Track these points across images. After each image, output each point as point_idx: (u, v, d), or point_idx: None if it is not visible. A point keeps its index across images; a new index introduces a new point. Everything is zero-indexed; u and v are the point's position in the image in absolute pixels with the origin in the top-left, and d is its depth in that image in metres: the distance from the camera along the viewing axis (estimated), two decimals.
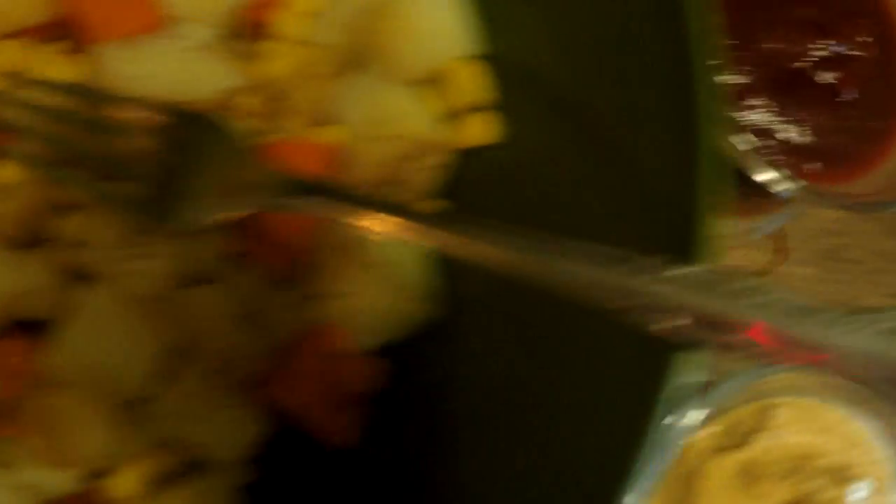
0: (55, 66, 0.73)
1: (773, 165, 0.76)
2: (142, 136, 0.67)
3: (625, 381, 0.58)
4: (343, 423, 0.69)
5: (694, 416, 0.77)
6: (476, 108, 0.70)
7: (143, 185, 0.66)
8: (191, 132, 0.66)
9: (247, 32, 0.78)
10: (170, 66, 0.70)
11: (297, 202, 0.62)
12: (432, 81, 0.70)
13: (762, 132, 0.81)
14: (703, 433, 0.82)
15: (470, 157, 0.72)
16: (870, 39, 0.83)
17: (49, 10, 0.72)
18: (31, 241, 0.75)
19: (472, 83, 0.70)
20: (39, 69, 0.72)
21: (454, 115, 0.71)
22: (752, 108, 0.81)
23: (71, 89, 0.69)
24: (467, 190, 0.72)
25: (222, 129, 0.66)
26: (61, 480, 0.73)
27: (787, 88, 0.82)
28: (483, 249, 0.55)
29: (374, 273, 0.68)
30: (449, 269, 0.71)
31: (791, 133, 0.81)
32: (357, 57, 0.72)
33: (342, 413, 0.69)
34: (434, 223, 0.58)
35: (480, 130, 0.70)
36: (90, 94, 0.69)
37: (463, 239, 0.56)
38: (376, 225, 0.58)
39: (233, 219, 0.65)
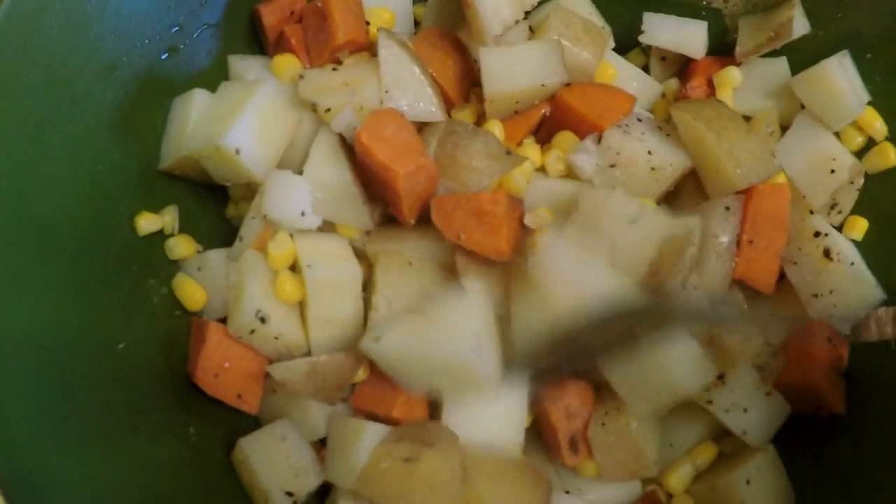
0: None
1: None
2: None
3: None
4: (840, 393, 0.90)
5: None
6: (878, 142, 0.94)
7: None
8: None
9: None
10: (653, 144, 0.91)
11: None
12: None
13: None
14: None
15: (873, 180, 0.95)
16: None
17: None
18: None
19: (875, 124, 0.93)
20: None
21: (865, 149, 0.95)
22: None
23: None
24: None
25: None
26: (628, 490, 0.90)
27: None
28: None
29: (851, 272, 0.89)
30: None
31: None
32: (786, 118, 0.95)
33: (839, 385, 0.90)
34: None
35: (885, 158, 0.93)
36: None
37: None
38: None
39: None
